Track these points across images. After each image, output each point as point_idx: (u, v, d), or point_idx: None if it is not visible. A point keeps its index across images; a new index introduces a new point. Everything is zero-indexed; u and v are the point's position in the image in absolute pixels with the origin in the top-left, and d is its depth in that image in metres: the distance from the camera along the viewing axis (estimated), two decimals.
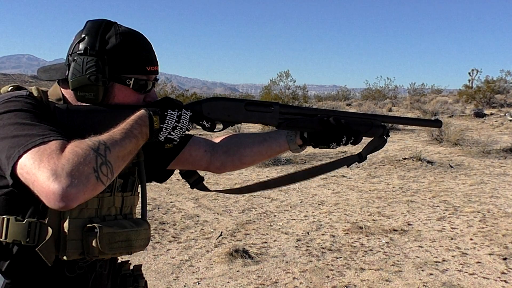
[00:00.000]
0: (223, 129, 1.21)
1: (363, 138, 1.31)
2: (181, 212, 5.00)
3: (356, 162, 1.37)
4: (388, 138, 1.35)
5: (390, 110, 21.73)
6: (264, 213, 5.02)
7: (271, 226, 4.56)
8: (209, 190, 1.43)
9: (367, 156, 1.36)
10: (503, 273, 3.40)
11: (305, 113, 1.26)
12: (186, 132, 1.11)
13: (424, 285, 3.22)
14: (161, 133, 1.04)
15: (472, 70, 29.39)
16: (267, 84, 23.47)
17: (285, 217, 4.85)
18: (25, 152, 0.85)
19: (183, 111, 1.07)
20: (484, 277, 3.34)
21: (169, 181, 6.61)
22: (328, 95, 43.01)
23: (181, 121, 1.06)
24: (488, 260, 3.65)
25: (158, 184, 6.50)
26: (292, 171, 1.47)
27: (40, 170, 0.82)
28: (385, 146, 1.37)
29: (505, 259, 3.65)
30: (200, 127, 1.18)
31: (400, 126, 13.46)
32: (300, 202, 5.47)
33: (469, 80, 28.99)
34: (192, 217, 4.81)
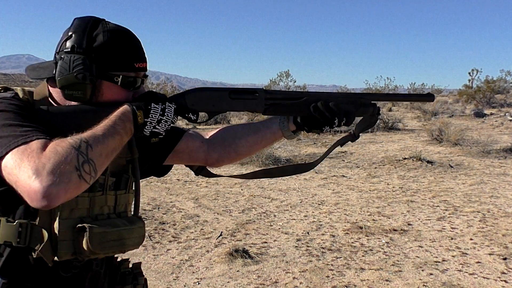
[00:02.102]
0: (208, 119, 1.20)
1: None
2: (181, 212, 5.00)
3: (350, 141, 1.34)
4: (379, 116, 1.32)
5: (390, 110, 21.73)
6: (264, 213, 5.02)
7: (271, 226, 4.56)
8: (214, 176, 1.42)
9: (360, 134, 1.33)
10: (503, 273, 3.40)
11: (291, 97, 1.23)
12: (172, 125, 1.10)
13: (424, 285, 3.22)
14: (146, 127, 1.03)
15: (472, 70, 29.42)
16: (267, 84, 23.48)
17: (285, 217, 4.85)
18: (7, 152, 0.85)
19: (167, 104, 1.06)
20: (484, 277, 3.34)
21: (169, 181, 6.62)
22: None
23: (165, 114, 1.05)
24: (488, 260, 3.65)
25: (158, 184, 6.51)
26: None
27: (21, 170, 0.82)
28: (376, 124, 1.33)
29: (505, 259, 3.65)
30: (186, 120, 1.17)
31: (400, 126, 13.45)
32: (300, 202, 5.47)
33: (469, 80, 29.01)
34: (192, 217, 4.81)
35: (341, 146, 1.36)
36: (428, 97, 1.37)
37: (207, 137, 1.32)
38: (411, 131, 12.70)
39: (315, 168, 1.43)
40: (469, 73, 29.43)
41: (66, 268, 1.03)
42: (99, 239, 0.98)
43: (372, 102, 1.29)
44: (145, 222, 4.49)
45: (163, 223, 4.58)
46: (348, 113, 1.22)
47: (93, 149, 0.89)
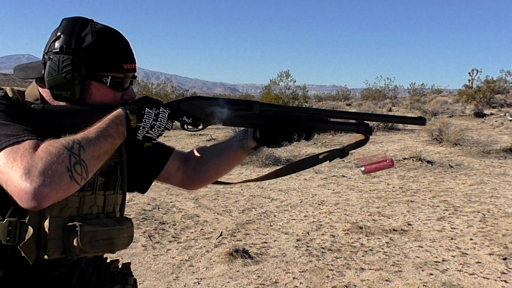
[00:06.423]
0: (202, 128, 1.21)
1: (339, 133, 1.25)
2: (181, 212, 5.00)
3: (339, 158, 1.31)
4: (370, 136, 1.29)
5: (390, 110, 21.73)
6: (264, 213, 5.02)
7: (271, 226, 4.56)
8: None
9: (350, 152, 1.30)
10: (503, 273, 3.41)
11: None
12: (166, 131, 1.11)
13: (424, 285, 3.22)
14: (139, 132, 1.03)
15: (472, 70, 29.39)
16: (267, 84, 23.46)
17: (285, 217, 4.85)
18: None
19: (161, 109, 1.06)
20: (484, 277, 3.34)
21: None
22: (328, 95, 43.06)
23: (159, 119, 1.05)
24: (488, 260, 3.65)
25: (158, 184, 6.49)
26: (278, 168, 1.43)
27: (13, 169, 0.82)
28: (368, 143, 1.29)
29: (505, 259, 3.65)
30: (181, 126, 1.17)
31: (400, 126, 13.45)
32: (300, 202, 5.47)
33: (469, 80, 29.00)
34: (192, 217, 4.81)
35: (329, 162, 1.32)
36: (420, 120, 1.33)
37: (185, 158, 1.34)
38: (411, 131, 12.70)
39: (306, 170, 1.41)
40: (469, 73, 29.42)
41: (53, 266, 1.02)
42: (90, 238, 0.98)
43: (365, 122, 1.27)
44: (145, 222, 4.47)
45: (163, 223, 4.58)
46: (308, 128, 1.21)
47: (86, 150, 0.89)
